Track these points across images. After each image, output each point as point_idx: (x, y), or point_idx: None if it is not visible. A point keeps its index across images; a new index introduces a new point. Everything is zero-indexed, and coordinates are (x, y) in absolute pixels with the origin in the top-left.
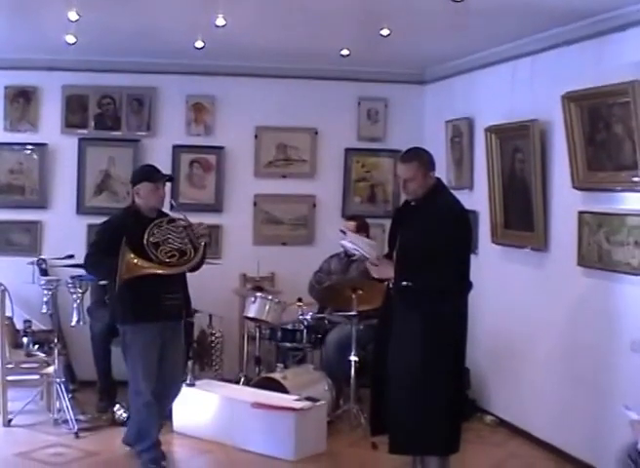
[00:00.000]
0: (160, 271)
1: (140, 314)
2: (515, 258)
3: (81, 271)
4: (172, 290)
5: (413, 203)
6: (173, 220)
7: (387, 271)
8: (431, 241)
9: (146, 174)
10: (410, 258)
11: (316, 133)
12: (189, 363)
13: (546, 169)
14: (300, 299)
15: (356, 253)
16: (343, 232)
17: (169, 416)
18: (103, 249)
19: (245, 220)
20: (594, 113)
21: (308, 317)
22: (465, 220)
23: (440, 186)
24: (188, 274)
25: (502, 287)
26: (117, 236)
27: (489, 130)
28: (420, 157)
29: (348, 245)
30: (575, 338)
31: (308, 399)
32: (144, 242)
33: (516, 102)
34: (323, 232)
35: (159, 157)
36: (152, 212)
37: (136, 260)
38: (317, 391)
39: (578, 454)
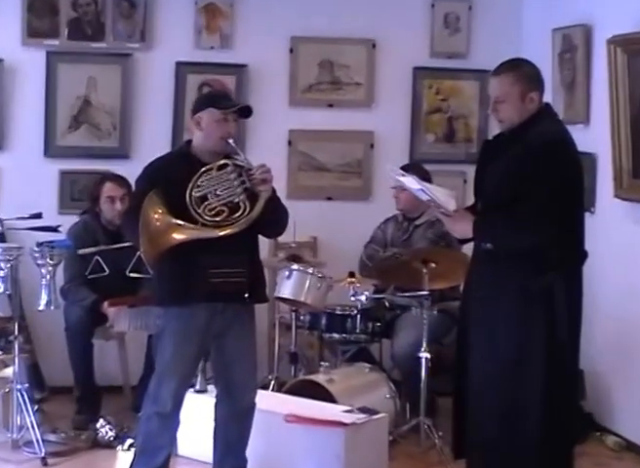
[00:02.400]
0: (202, 235)
1: (176, 294)
2: None
3: (52, 236)
4: (227, 262)
5: (505, 134)
6: (225, 165)
7: (465, 225)
8: (514, 184)
9: (214, 98)
10: (491, 210)
11: (374, 45)
12: (200, 362)
13: None
14: (351, 274)
15: (425, 198)
16: (404, 174)
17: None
18: (138, 205)
19: (276, 166)
20: None
21: (363, 298)
22: (562, 153)
23: (546, 114)
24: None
25: (631, 258)
26: (156, 184)
27: (613, 42)
28: (518, 69)
29: (414, 185)
30: None
31: (363, 410)
32: (187, 198)
33: None
34: (383, 180)
35: (157, 78)
36: (214, 156)
37: (160, 223)
38: (376, 399)
39: None
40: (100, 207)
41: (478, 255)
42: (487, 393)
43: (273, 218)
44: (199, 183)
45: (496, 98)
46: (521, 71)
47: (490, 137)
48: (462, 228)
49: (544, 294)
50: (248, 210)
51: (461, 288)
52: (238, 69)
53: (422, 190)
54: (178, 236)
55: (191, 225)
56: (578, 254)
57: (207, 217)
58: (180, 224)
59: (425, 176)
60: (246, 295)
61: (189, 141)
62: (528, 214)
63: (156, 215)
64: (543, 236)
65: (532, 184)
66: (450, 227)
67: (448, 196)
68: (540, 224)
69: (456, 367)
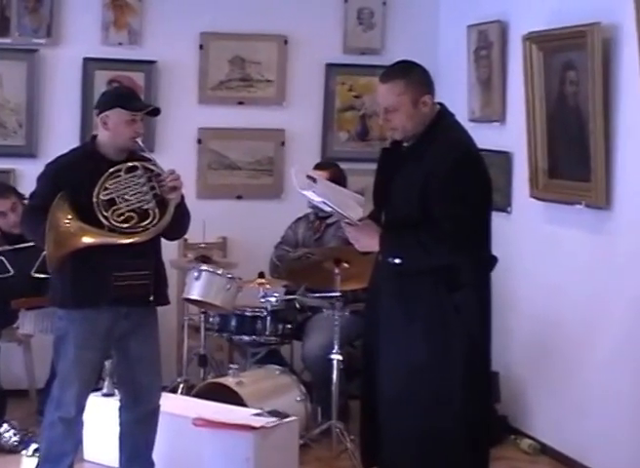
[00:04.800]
0: (110, 241)
1: (80, 296)
2: (564, 219)
3: None
4: (131, 265)
5: (405, 144)
6: (134, 168)
7: (369, 239)
8: (424, 197)
9: (122, 97)
10: (398, 224)
11: (286, 42)
12: (107, 364)
13: (610, 93)
14: (261, 275)
15: (328, 209)
16: (312, 179)
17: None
18: (41, 205)
19: (185, 164)
20: None
21: (274, 300)
22: (472, 166)
23: (444, 118)
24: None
25: (546, 258)
26: (61, 186)
27: (529, 38)
28: (407, 74)
29: (315, 197)
30: None
31: (273, 413)
32: (94, 200)
33: None
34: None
35: (64, 74)
36: (120, 154)
37: (71, 227)
38: (286, 402)
39: None
40: None
41: (384, 268)
42: (403, 405)
43: (178, 224)
44: (107, 186)
45: (386, 108)
46: (410, 77)
47: (387, 146)
48: (367, 241)
49: (458, 309)
50: (157, 218)
51: None
52: (147, 66)
53: (325, 203)
54: (87, 240)
55: (101, 231)
56: (485, 260)
57: (115, 223)
58: (90, 229)
59: (339, 175)
60: (151, 299)
61: (94, 137)
62: (443, 233)
63: (66, 220)
64: (459, 254)
65: (446, 202)
66: (353, 237)
67: (356, 203)
68: (456, 243)
69: (364, 374)
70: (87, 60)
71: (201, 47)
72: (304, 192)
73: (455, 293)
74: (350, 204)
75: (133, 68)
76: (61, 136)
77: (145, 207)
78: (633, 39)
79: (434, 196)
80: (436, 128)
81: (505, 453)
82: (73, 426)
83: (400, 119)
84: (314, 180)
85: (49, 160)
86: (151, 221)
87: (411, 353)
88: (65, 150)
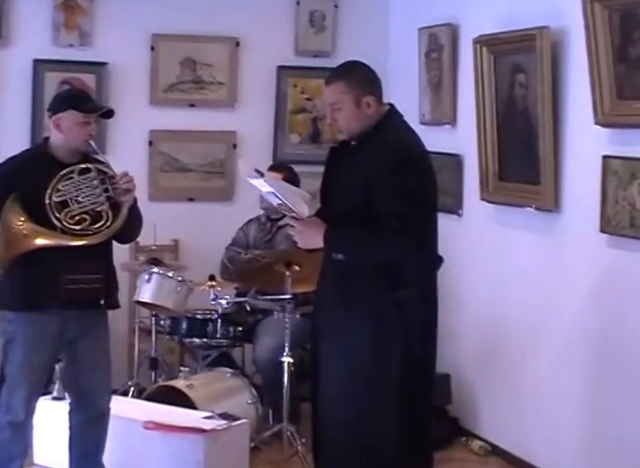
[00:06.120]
0: (62, 243)
1: (30, 299)
2: (514, 222)
3: None
4: (83, 268)
5: (353, 142)
6: (87, 170)
7: (314, 234)
8: (366, 195)
9: (75, 99)
10: (342, 220)
11: (238, 44)
12: (57, 367)
13: (559, 96)
14: (212, 277)
15: (276, 201)
16: (260, 173)
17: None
18: None
19: (136, 166)
20: (628, 18)
21: (224, 302)
22: (414, 163)
23: (390, 119)
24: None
25: (495, 260)
26: (13, 188)
27: (479, 41)
28: (349, 75)
29: (263, 188)
30: (598, 331)
31: (224, 416)
32: (47, 201)
33: (518, 3)
34: (246, 180)
35: (13, 76)
36: (73, 156)
37: (24, 228)
38: (236, 405)
39: None
40: None
41: (328, 266)
42: (340, 404)
43: (131, 226)
44: (60, 188)
45: (331, 106)
46: (352, 77)
47: (335, 144)
48: (311, 236)
49: (399, 307)
50: (110, 220)
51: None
52: (98, 67)
53: (273, 194)
54: (40, 242)
55: (54, 233)
56: (429, 259)
57: (68, 225)
58: (43, 230)
59: (293, 177)
60: (101, 302)
61: (47, 139)
62: (385, 230)
63: (19, 222)
64: (401, 251)
65: (387, 199)
66: (298, 231)
67: (302, 200)
68: (398, 240)
69: (311, 376)
70: (37, 62)
71: (152, 48)
72: (252, 181)
73: (397, 291)
74: (297, 200)
75: (83, 70)
76: (11, 138)
77: (98, 209)
78: (581, 43)
79: (377, 194)
80: (382, 128)
81: (456, 455)
82: (22, 430)
83: (344, 118)
84: (262, 175)
85: None
86: (104, 224)
87: (348, 349)
88: (15, 152)
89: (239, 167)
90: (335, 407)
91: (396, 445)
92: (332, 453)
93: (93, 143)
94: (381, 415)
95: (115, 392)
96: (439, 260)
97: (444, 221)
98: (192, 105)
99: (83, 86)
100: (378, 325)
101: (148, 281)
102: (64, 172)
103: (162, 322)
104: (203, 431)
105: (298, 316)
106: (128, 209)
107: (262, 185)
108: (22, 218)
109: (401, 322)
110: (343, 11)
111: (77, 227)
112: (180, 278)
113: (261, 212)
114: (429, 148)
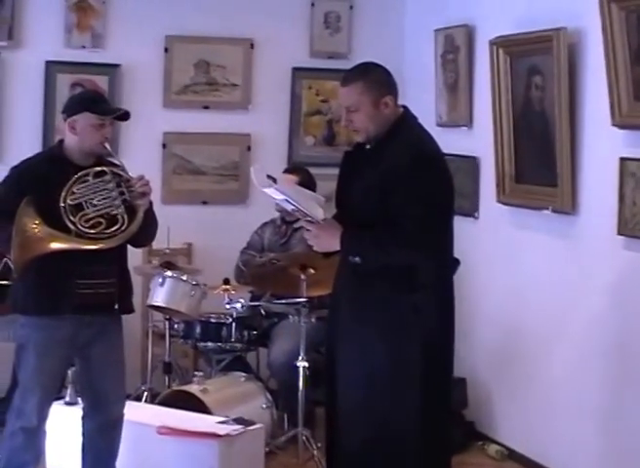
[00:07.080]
0: (77, 247)
1: (43, 303)
2: (530, 224)
3: None
4: (97, 272)
5: (368, 146)
6: (102, 173)
7: (330, 237)
8: (383, 198)
9: (89, 101)
10: (359, 224)
11: (252, 45)
12: (69, 372)
13: (576, 98)
14: (226, 281)
15: (290, 207)
16: (272, 178)
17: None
18: (5, 210)
19: (150, 169)
20: None
21: (239, 306)
22: (431, 165)
23: (406, 121)
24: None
25: (512, 263)
26: (27, 191)
27: (496, 43)
28: (366, 76)
29: (277, 196)
30: (616, 333)
31: (238, 421)
32: (62, 204)
33: (535, 4)
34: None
35: (26, 78)
36: (88, 158)
37: (38, 231)
38: (251, 410)
39: None
40: None
41: (345, 269)
42: (359, 410)
43: (146, 230)
44: (74, 190)
45: (348, 108)
46: (370, 78)
47: (349, 148)
48: (328, 240)
49: (416, 310)
50: (126, 224)
51: None
52: (111, 69)
53: (287, 200)
54: (54, 245)
55: (69, 236)
56: (446, 263)
57: (82, 228)
58: (58, 234)
59: (309, 179)
60: (115, 307)
61: (61, 141)
62: (402, 232)
63: (33, 225)
64: (419, 254)
65: (404, 201)
66: (314, 235)
67: (317, 204)
68: (415, 243)
69: (326, 380)
70: (49, 63)
71: (166, 50)
72: (265, 190)
73: (414, 294)
74: (311, 204)
75: (96, 72)
76: (23, 141)
77: (114, 212)
78: (598, 44)
79: (393, 196)
80: (397, 130)
81: (472, 459)
82: (35, 436)
83: (361, 120)
84: (274, 180)
85: (10, 164)
86: (120, 227)
87: (367, 356)
88: (27, 154)
89: (252, 176)
90: (354, 416)
91: (417, 450)
92: (350, 459)
93: (108, 146)
94: (403, 419)
95: (129, 397)
96: (456, 263)
97: (460, 224)
98: (206, 107)
99: (95, 88)
100: (395, 329)
101: (162, 285)
102: (79, 174)
103: (176, 326)
104: (217, 436)
105: (313, 320)
106: (144, 212)
107: (275, 193)
108: (37, 222)
109: (418, 325)
110: (359, 12)
111: (92, 231)
112: (193, 282)
113: (276, 214)
114: (445, 150)
